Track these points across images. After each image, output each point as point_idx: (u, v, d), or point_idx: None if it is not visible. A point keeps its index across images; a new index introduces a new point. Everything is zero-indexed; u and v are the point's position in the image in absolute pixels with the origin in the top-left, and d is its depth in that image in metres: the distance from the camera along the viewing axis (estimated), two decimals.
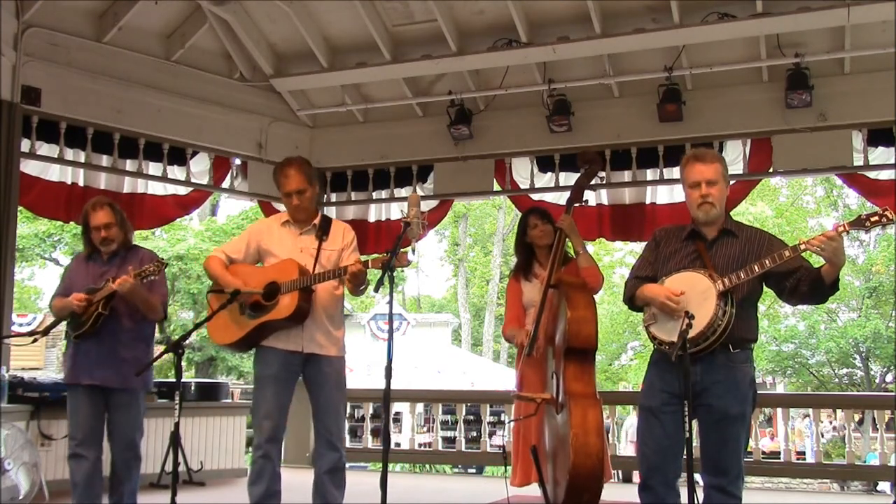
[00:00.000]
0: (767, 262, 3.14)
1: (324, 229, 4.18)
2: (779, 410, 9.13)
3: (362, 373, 15.59)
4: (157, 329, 4.85)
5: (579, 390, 3.87)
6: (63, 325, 4.46)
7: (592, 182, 4.71)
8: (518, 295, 4.79)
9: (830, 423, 15.95)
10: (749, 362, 3.33)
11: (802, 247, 3.09)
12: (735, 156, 6.78)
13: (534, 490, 4.44)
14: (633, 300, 3.49)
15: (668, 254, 3.45)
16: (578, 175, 4.76)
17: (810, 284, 3.17)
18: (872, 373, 23.38)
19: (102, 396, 4.27)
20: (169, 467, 4.52)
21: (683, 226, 3.54)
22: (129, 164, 6.94)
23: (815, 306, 22.91)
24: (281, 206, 7.63)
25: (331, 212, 8.00)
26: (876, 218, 2.99)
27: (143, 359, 4.30)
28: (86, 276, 4.35)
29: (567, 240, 4.55)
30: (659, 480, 3.31)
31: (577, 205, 4.58)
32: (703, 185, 3.34)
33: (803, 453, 15.52)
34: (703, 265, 3.31)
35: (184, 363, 4.28)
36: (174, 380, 3.75)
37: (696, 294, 3.20)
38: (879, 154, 6.43)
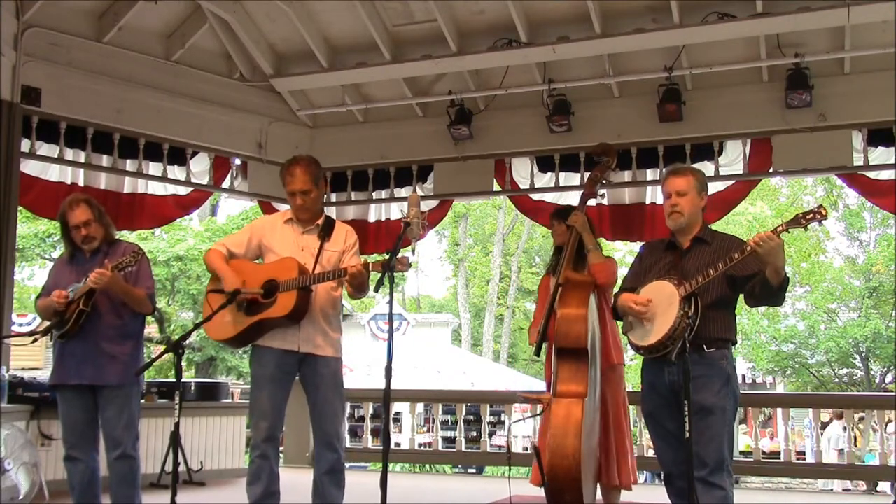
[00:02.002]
0: (720, 265, 3.36)
1: (326, 230, 4.16)
2: (779, 410, 9.12)
3: (362, 373, 15.58)
4: (154, 326, 4.82)
5: (566, 390, 3.92)
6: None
7: (607, 177, 4.70)
8: (547, 292, 4.81)
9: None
10: (726, 360, 3.52)
11: (748, 248, 3.27)
12: (735, 156, 6.79)
13: (534, 490, 4.44)
14: (615, 310, 3.76)
15: (648, 265, 3.70)
16: (591, 171, 4.75)
17: (761, 287, 3.35)
18: (872, 373, 23.38)
19: (92, 396, 4.16)
20: (169, 467, 4.52)
21: (666, 239, 3.76)
22: (129, 164, 6.93)
23: (815, 306, 23.13)
24: (282, 206, 7.68)
25: (330, 212, 7.99)
26: (811, 215, 3.18)
27: (131, 356, 4.21)
28: (70, 276, 4.22)
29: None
30: (676, 473, 3.52)
31: (591, 200, 4.58)
32: (673, 196, 3.61)
33: (803, 453, 15.53)
34: (677, 274, 3.51)
35: (184, 363, 4.27)
36: (174, 380, 3.73)
37: (663, 299, 3.42)
38: (879, 154, 6.43)
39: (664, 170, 3.81)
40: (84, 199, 4.28)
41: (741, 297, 3.56)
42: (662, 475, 3.65)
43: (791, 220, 3.24)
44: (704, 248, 3.57)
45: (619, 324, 3.88)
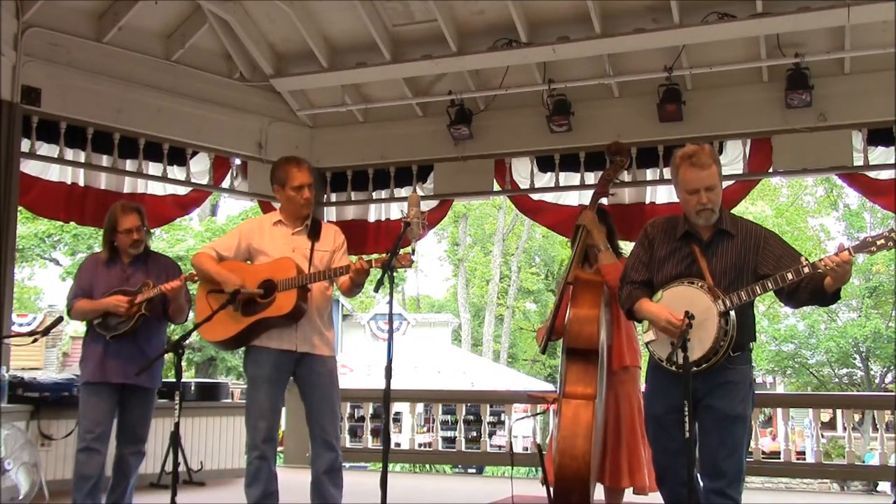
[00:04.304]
0: (770, 283, 3.12)
1: (315, 231, 4.17)
2: (779, 410, 9.12)
3: (362, 373, 15.58)
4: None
5: (574, 391, 3.86)
6: (62, 326, 4.44)
7: (619, 177, 4.67)
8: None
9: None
10: (749, 363, 3.34)
11: (804, 270, 3.05)
12: (735, 156, 6.78)
13: (536, 490, 4.43)
14: (631, 312, 3.45)
15: (662, 256, 3.39)
16: (604, 170, 4.73)
17: (811, 293, 3.15)
18: (872, 373, 23.40)
19: (119, 395, 4.36)
20: (169, 467, 4.54)
21: (675, 218, 3.45)
22: (129, 164, 6.93)
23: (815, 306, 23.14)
24: None
25: (331, 212, 8.01)
26: (882, 241, 2.99)
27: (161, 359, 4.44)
28: (108, 279, 4.39)
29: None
30: (672, 478, 3.37)
31: (602, 200, 4.56)
32: (702, 193, 3.25)
33: (803, 453, 15.55)
34: (700, 272, 3.27)
35: (184, 363, 4.28)
36: (174, 380, 3.73)
37: (697, 313, 3.14)
38: (879, 154, 6.43)
39: (676, 154, 3.37)
40: (136, 208, 4.49)
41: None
42: (656, 475, 3.50)
43: (859, 244, 3.05)
44: (729, 242, 3.30)
45: (638, 326, 3.61)
